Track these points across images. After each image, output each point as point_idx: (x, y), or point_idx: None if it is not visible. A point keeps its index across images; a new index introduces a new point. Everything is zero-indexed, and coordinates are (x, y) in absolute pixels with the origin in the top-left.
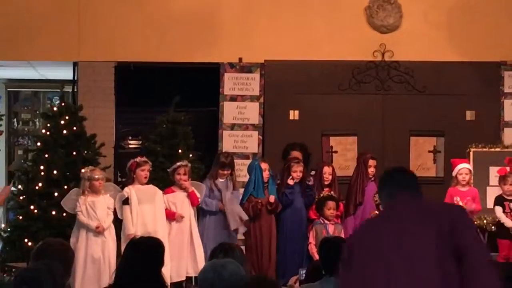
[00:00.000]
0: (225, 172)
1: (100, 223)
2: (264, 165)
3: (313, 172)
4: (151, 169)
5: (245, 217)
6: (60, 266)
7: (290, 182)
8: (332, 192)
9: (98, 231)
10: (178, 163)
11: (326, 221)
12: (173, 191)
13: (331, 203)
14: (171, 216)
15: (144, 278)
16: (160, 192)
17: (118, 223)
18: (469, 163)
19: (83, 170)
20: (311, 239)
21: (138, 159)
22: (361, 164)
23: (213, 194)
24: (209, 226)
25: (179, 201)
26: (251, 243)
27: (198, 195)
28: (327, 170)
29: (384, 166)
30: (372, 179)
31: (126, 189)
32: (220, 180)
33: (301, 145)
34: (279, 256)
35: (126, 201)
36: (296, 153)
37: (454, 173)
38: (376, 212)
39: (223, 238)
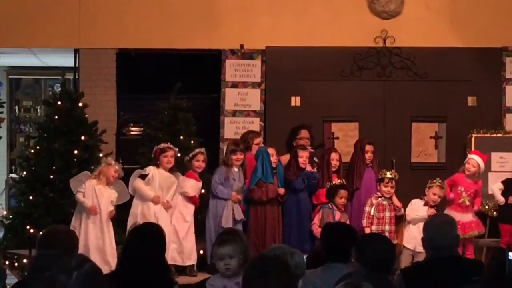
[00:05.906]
0: (238, 156)
1: (95, 205)
2: (271, 150)
3: (316, 160)
4: (175, 154)
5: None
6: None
7: (311, 169)
8: (340, 180)
9: (94, 213)
10: (197, 150)
11: (334, 207)
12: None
13: (343, 192)
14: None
15: (147, 263)
16: (177, 182)
17: (117, 211)
18: (482, 158)
19: (108, 157)
20: (316, 220)
21: (162, 145)
22: (358, 150)
23: (228, 183)
24: (219, 211)
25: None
26: (256, 228)
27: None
28: (334, 156)
29: (385, 152)
30: (370, 165)
31: (151, 167)
32: (234, 170)
33: (309, 126)
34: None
35: (143, 177)
36: (305, 132)
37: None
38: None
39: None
